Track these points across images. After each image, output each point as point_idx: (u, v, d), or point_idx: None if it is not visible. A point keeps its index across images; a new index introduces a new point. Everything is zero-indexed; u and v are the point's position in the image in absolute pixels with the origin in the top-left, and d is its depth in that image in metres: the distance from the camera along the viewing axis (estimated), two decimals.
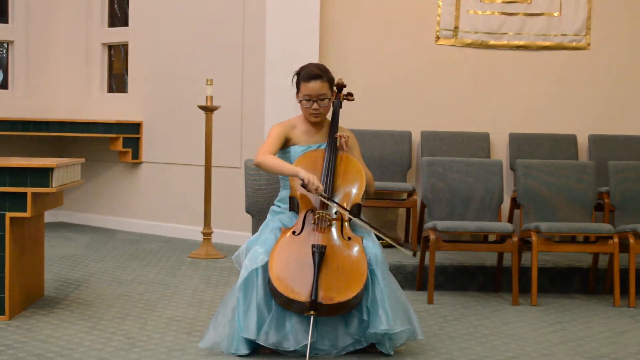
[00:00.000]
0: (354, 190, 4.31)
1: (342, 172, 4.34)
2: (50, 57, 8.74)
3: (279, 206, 4.45)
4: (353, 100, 4.61)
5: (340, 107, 4.50)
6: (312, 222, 4.18)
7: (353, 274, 4.03)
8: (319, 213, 4.19)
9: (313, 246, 4.06)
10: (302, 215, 4.23)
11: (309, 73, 4.35)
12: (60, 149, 8.81)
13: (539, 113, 7.28)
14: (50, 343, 4.27)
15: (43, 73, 8.73)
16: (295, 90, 4.44)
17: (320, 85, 4.34)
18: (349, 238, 4.16)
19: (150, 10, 8.21)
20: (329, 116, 4.51)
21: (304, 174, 4.15)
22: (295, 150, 4.40)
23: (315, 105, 4.36)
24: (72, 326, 4.61)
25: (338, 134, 4.40)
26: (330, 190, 4.26)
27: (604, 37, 7.26)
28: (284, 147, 4.43)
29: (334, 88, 4.49)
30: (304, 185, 4.13)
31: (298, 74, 4.41)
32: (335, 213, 4.22)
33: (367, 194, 4.42)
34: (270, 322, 4.04)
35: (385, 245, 6.44)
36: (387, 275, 4.13)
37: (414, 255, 4.47)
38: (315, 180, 4.13)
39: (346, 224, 4.21)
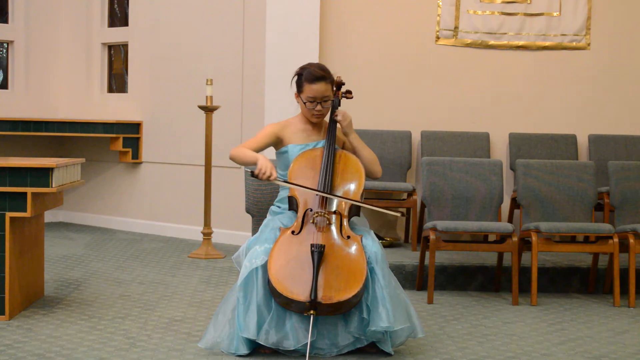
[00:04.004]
0: (353, 188, 4.31)
1: (340, 171, 4.33)
2: (50, 57, 8.75)
3: (278, 206, 4.45)
4: (352, 97, 4.59)
5: (339, 105, 4.49)
6: (311, 221, 4.18)
7: (352, 273, 4.04)
8: (318, 212, 4.19)
9: (312, 245, 4.06)
10: (301, 214, 4.23)
11: (314, 74, 4.32)
12: (60, 149, 8.81)
13: (539, 113, 7.28)
14: (50, 343, 4.28)
15: (43, 73, 8.73)
16: (293, 89, 4.43)
17: (325, 87, 4.33)
18: (348, 237, 4.16)
19: (150, 10, 8.21)
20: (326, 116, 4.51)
21: (260, 161, 4.18)
22: (293, 149, 4.40)
23: (318, 107, 4.35)
24: (72, 326, 4.62)
25: (335, 113, 4.39)
26: (329, 188, 4.26)
27: (604, 37, 7.26)
28: (280, 146, 4.43)
29: (333, 87, 4.49)
30: (253, 175, 4.17)
31: (299, 74, 4.39)
32: (334, 211, 4.22)
33: (374, 176, 4.43)
34: (270, 321, 4.04)
35: (386, 246, 6.48)
36: (387, 273, 4.13)
37: (403, 215, 4.48)
38: (267, 168, 4.15)
39: (345, 222, 4.20)
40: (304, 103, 4.36)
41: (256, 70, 7.35)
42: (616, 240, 5.57)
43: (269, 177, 4.16)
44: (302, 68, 4.39)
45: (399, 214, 4.32)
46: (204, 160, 7.03)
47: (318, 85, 4.31)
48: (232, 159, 4.37)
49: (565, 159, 6.95)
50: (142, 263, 6.63)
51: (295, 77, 4.40)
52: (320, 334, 4.08)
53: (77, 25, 8.72)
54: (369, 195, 6.65)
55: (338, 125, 4.44)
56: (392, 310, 4.04)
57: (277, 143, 4.43)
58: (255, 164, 4.24)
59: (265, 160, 4.20)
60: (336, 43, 7.16)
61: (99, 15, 8.65)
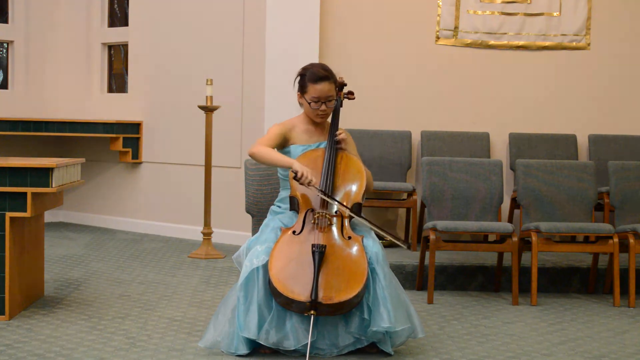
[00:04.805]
0: (354, 189, 4.31)
1: (342, 172, 4.33)
2: (50, 57, 8.75)
3: (279, 206, 4.45)
4: (354, 98, 4.60)
5: (341, 106, 4.49)
6: (313, 221, 4.18)
7: (353, 273, 4.04)
8: (319, 212, 4.19)
9: (313, 246, 4.06)
10: (302, 214, 4.23)
11: (317, 74, 4.32)
12: (60, 149, 8.81)
13: (539, 113, 7.28)
14: (50, 343, 4.28)
15: (43, 73, 8.73)
16: (296, 90, 4.43)
17: (328, 87, 4.33)
18: (349, 237, 4.16)
19: (150, 10, 8.21)
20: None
21: (297, 166, 4.15)
22: (295, 149, 4.40)
23: (323, 107, 4.35)
24: (72, 326, 4.62)
25: (337, 133, 4.39)
26: (331, 189, 4.26)
27: (604, 37, 7.26)
28: (284, 146, 4.42)
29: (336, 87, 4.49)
30: (296, 179, 4.13)
31: (302, 75, 4.39)
32: (336, 212, 4.22)
33: (366, 192, 4.42)
34: (270, 321, 4.04)
35: (386, 245, 6.48)
36: (388, 274, 4.14)
37: (408, 248, 4.45)
38: (308, 173, 4.13)
39: (346, 223, 4.20)
40: (309, 103, 4.36)
41: (256, 70, 7.35)
42: (616, 240, 5.57)
43: (310, 182, 4.13)
44: (305, 68, 4.39)
45: (405, 246, 4.31)
46: (204, 160, 7.03)
47: (322, 85, 4.32)
48: (255, 157, 4.28)
49: (565, 159, 6.95)
50: (142, 263, 6.63)
51: (298, 78, 4.40)
52: (320, 334, 4.08)
53: (77, 25, 8.72)
54: (369, 196, 6.64)
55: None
56: (393, 310, 4.04)
57: (283, 144, 4.43)
58: (288, 167, 4.21)
59: (302, 165, 4.17)
60: (336, 43, 7.16)
61: (98, 15, 8.65)
